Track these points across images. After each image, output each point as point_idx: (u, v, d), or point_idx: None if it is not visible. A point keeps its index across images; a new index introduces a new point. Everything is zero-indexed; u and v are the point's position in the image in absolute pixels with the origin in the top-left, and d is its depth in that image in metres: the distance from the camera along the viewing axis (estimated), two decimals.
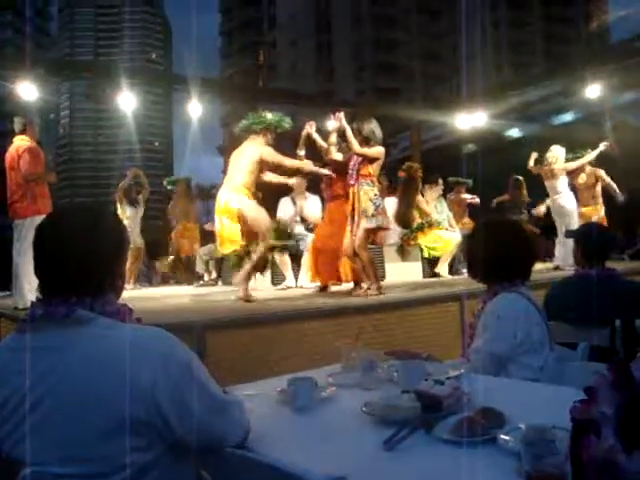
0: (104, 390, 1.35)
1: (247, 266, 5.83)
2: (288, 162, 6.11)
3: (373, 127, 6.02)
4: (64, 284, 1.47)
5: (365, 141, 5.96)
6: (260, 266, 6.00)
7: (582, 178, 8.84)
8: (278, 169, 6.16)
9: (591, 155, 8.60)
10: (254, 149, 5.92)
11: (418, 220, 8.46)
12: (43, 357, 1.39)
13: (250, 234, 5.81)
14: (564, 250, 8.08)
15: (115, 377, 1.35)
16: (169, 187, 10.31)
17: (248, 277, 5.88)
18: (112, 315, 1.50)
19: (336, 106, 7.12)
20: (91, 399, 1.34)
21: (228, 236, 5.83)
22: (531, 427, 1.33)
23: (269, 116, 6.08)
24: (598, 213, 8.90)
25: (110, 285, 1.55)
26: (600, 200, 9.04)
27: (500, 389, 2.02)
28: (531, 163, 8.83)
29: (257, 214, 5.76)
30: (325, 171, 6.50)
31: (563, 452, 1.22)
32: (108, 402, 1.34)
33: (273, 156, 5.92)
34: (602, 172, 8.99)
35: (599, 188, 9.04)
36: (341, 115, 6.16)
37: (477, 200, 10.29)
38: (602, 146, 8.68)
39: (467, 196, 10.27)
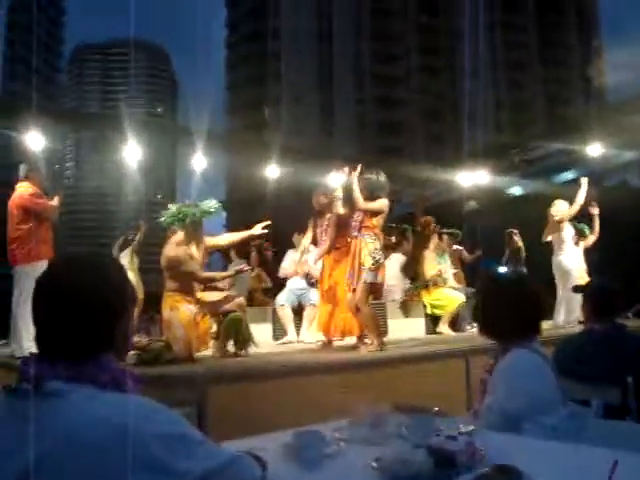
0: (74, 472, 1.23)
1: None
2: (200, 273, 5.69)
3: (381, 180, 6.05)
4: (53, 345, 1.38)
5: (371, 194, 5.98)
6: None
7: None
8: (191, 278, 5.62)
9: (580, 198, 8.29)
10: (169, 251, 5.61)
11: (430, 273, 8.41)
12: (19, 427, 1.28)
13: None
14: (566, 308, 8.00)
15: (84, 459, 1.23)
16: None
17: None
18: (105, 383, 1.38)
19: (340, 162, 7.22)
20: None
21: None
22: None
23: (188, 210, 5.69)
24: None
25: (108, 345, 1.44)
26: None
27: (514, 446, 1.94)
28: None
29: (176, 329, 5.33)
30: (226, 274, 6.43)
31: None
32: None
33: (185, 265, 5.50)
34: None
35: None
36: (347, 170, 6.23)
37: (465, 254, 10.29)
38: (583, 179, 8.45)
39: (459, 247, 10.23)
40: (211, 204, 5.82)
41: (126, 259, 9.36)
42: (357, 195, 5.95)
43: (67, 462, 1.23)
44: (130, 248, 9.66)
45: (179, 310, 5.42)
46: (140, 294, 8.99)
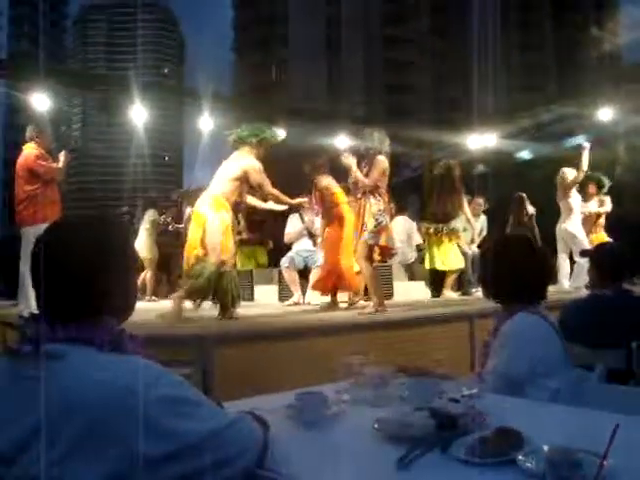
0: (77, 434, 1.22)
1: (185, 287, 5.47)
2: (269, 187, 5.88)
3: (379, 138, 6.06)
4: (51, 305, 1.36)
5: (369, 155, 6.01)
6: (192, 292, 5.44)
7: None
8: (258, 189, 5.98)
9: (583, 164, 8.20)
10: (242, 160, 5.78)
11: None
12: (18, 390, 1.29)
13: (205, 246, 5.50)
14: (572, 272, 8.02)
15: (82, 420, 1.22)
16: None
17: (181, 299, 5.51)
18: (104, 344, 1.35)
19: (348, 124, 7.13)
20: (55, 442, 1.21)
21: (190, 242, 5.60)
22: (555, 448, 1.27)
23: (265, 130, 5.99)
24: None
25: (107, 306, 1.42)
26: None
27: (517, 409, 1.95)
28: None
29: (215, 232, 5.44)
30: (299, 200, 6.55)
31: (591, 477, 1.16)
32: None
33: (258, 174, 5.73)
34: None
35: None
36: (346, 155, 6.17)
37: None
38: (585, 144, 8.39)
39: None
40: (280, 130, 6.20)
41: (148, 220, 9.46)
42: (361, 178, 5.95)
43: (65, 425, 1.22)
44: (154, 212, 9.69)
45: (220, 214, 5.51)
46: (149, 254, 9.15)
